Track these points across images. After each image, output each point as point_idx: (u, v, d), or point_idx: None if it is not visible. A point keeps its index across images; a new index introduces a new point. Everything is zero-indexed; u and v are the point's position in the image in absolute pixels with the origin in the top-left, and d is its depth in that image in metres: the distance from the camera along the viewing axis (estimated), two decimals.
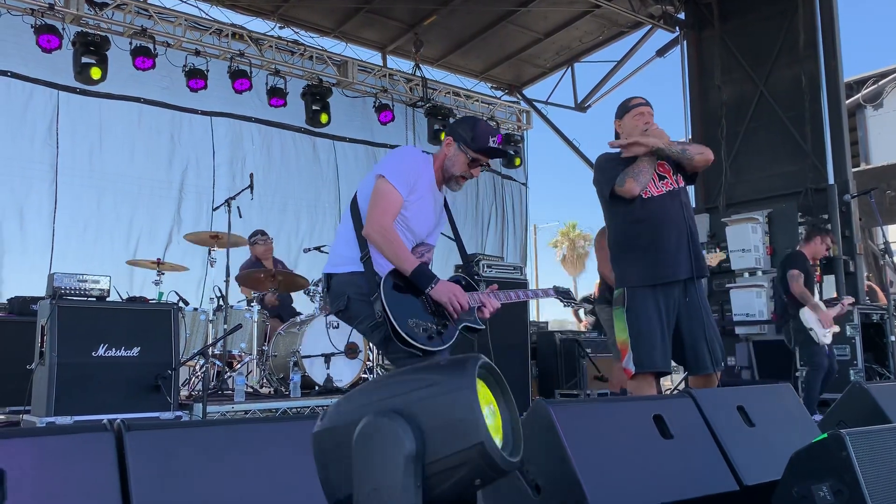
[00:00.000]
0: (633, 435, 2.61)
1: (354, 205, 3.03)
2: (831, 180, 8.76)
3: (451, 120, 10.44)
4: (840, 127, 8.85)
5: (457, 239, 3.33)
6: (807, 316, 5.94)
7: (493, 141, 3.07)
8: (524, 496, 2.45)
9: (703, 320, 3.54)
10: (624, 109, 3.78)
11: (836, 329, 5.97)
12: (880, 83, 11.62)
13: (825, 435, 2.34)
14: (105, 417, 3.25)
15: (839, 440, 2.26)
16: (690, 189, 4.00)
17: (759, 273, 8.89)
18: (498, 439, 1.42)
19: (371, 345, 6.63)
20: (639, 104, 3.74)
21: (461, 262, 3.29)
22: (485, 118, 11.34)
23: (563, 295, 3.56)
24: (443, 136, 9.43)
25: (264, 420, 2.12)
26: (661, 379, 3.73)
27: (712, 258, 5.72)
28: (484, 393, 1.44)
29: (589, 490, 2.30)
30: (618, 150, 3.75)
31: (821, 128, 8.90)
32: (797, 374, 7.92)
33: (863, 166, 11.81)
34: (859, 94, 11.58)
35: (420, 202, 3.02)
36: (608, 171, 3.66)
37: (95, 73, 7.64)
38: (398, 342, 2.81)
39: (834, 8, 9.00)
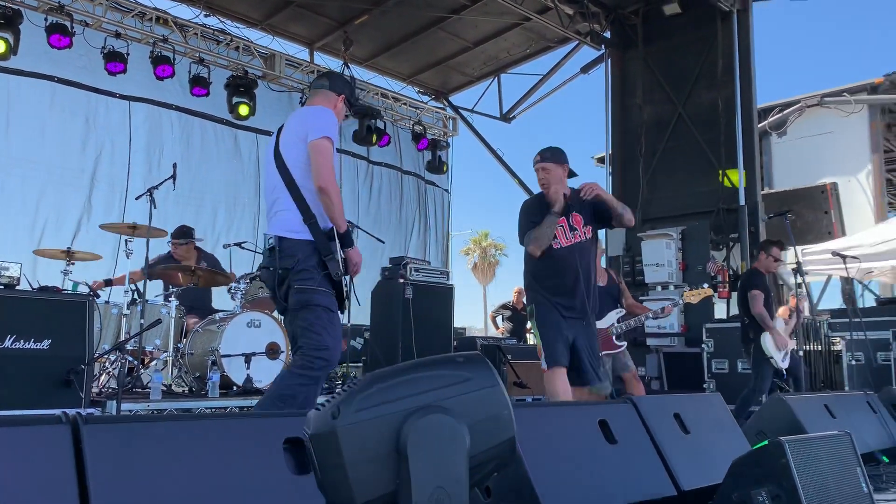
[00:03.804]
0: (581, 439, 2.64)
1: (284, 169, 3.20)
2: (742, 202, 9.19)
3: (380, 121, 10.36)
4: (752, 151, 9.31)
5: None
6: (768, 344, 5.98)
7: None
8: (474, 499, 2.44)
9: (593, 345, 4.20)
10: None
11: (792, 346, 6.10)
12: (785, 112, 12.26)
13: (766, 442, 2.44)
14: (9, 413, 3.03)
15: (780, 447, 2.36)
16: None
17: (672, 287, 9.22)
18: None
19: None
20: (536, 161, 4.19)
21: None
22: (412, 122, 11.34)
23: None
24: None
25: (228, 416, 2.03)
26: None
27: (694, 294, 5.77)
28: None
29: (542, 493, 2.31)
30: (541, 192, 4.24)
31: (734, 151, 9.32)
32: (704, 385, 8.26)
33: (767, 190, 12.42)
34: (766, 122, 12.18)
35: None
36: (523, 224, 4.20)
37: (3, 47, 7.18)
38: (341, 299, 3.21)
39: (750, 38, 9.47)
